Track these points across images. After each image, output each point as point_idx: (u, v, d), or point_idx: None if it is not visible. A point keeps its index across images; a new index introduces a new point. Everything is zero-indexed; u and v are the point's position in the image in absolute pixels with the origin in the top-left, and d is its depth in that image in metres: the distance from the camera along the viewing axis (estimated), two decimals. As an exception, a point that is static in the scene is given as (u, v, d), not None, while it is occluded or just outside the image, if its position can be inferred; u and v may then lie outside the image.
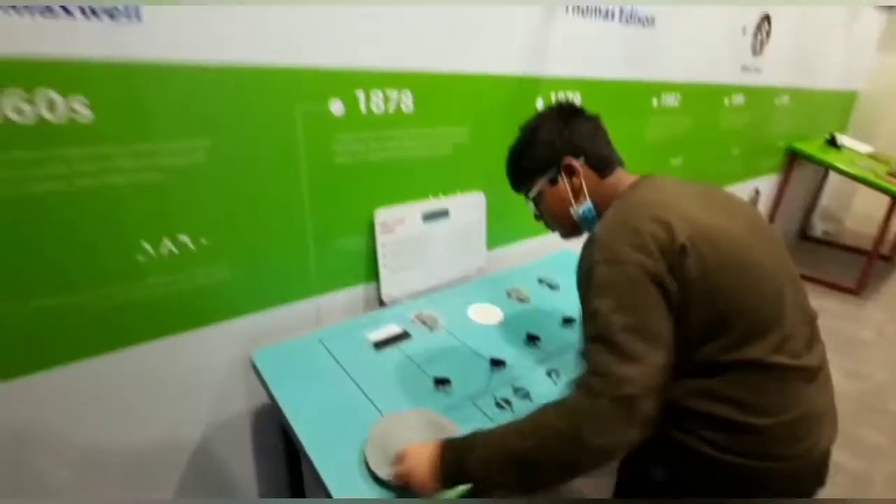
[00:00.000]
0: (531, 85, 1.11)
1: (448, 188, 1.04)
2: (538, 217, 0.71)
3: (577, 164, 0.64)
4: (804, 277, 1.83)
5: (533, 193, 0.68)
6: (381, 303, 0.99)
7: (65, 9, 0.56)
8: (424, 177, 0.99)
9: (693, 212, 0.55)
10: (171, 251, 0.72)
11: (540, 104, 1.14)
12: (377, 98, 0.86)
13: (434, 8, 0.88)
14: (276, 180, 0.79)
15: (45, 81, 0.57)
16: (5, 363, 0.64)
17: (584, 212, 0.65)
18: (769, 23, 1.86)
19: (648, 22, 1.35)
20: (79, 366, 0.69)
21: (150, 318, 0.73)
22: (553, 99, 1.17)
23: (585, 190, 0.64)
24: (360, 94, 0.84)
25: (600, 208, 0.64)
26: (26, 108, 0.57)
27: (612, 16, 1.24)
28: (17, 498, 0.66)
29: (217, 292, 0.79)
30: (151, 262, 0.71)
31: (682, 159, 1.75)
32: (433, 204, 1.02)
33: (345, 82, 0.82)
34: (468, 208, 1.09)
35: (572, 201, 0.66)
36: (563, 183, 0.65)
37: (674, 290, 0.51)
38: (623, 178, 0.65)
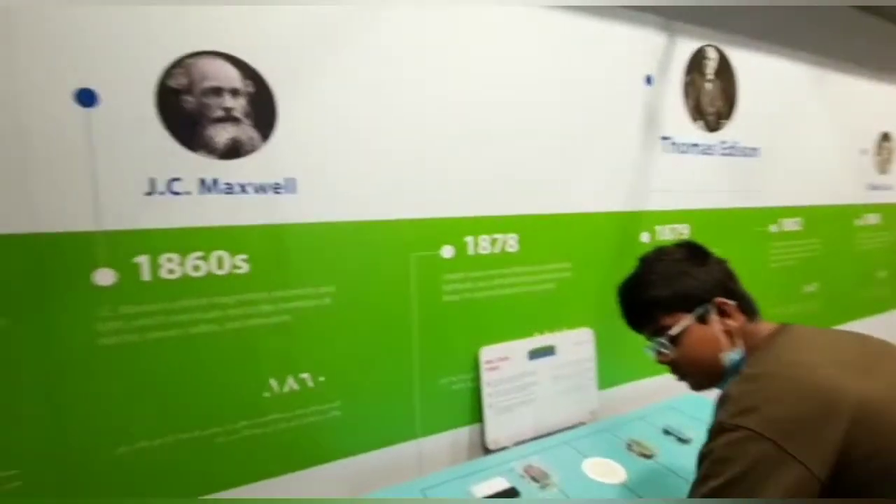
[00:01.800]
0: (635, 219, 1.11)
1: (554, 324, 1.01)
2: (663, 360, 0.65)
3: (731, 305, 0.60)
4: None
5: (674, 331, 0.63)
6: (486, 449, 0.92)
7: (241, 187, 0.71)
8: (530, 313, 0.98)
9: (853, 379, 0.48)
10: (292, 388, 0.76)
11: (646, 238, 1.12)
12: (484, 241, 0.91)
13: (538, 162, 0.96)
14: (388, 320, 0.83)
15: (219, 245, 0.69)
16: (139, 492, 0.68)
17: (733, 359, 0.59)
18: (888, 140, 1.74)
19: (752, 152, 1.33)
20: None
21: (266, 456, 0.75)
22: (659, 232, 1.15)
23: (736, 334, 0.59)
24: (470, 240, 0.90)
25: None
26: (202, 264, 0.69)
27: (711, 150, 1.25)
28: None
29: (327, 431, 0.80)
30: (275, 399, 0.75)
31: (817, 285, 1.56)
32: (539, 340, 0.99)
33: (456, 230, 0.88)
34: (576, 345, 1.03)
35: (723, 345, 0.60)
36: (715, 324, 0.61)
37: (823, 478, 0.45)
38: (762, 325, 0.60)
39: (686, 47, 1.16)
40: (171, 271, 0.67)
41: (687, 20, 1.15)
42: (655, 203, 1.14)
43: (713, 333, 0.61)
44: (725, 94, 1.26)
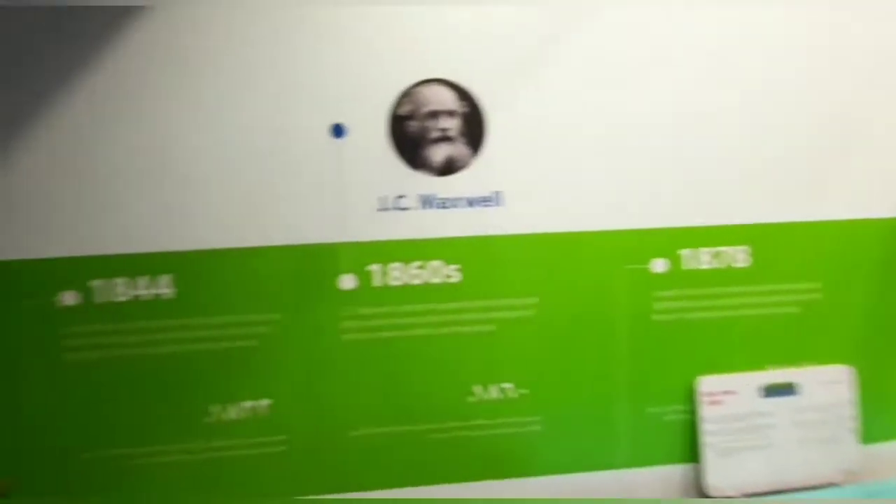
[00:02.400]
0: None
1: (796, 358, 0.83)
2: None
3: None
4: None
5: None
6: (705, 494, 0.80)
7: (454, 201, 0.75)
8: (763, 341, 0.82)
9: None
10: (495, 396, 0.78)
11: (936, 252, 0.84)
12: (705, 255, 0.80)
13: (779, 158, 0.80)
14: (593, 338, 0.79)
15: (436, 255, 0.75)
16: (356, 479, 0.76)
17: None
18: None
19: None
20: (399, 492, 0.77)
21: (469, 459, 0.78)
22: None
23: None
24: (686, 252, 0.80)
25: None
26: (421, 273, 0.75)
27: None
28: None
29: (527, 444, 0.79)
30: (480, 404, 0.77)
31: None
32: (775, 375, 0.82)
33: (670, 241, 0.79)
34: (827, 385, 0.83)
35: None
36: None
37: None
38: None
39: None
40: (396, 278, 0.75)
41: None
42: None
43: None
44: None
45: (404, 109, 0.75)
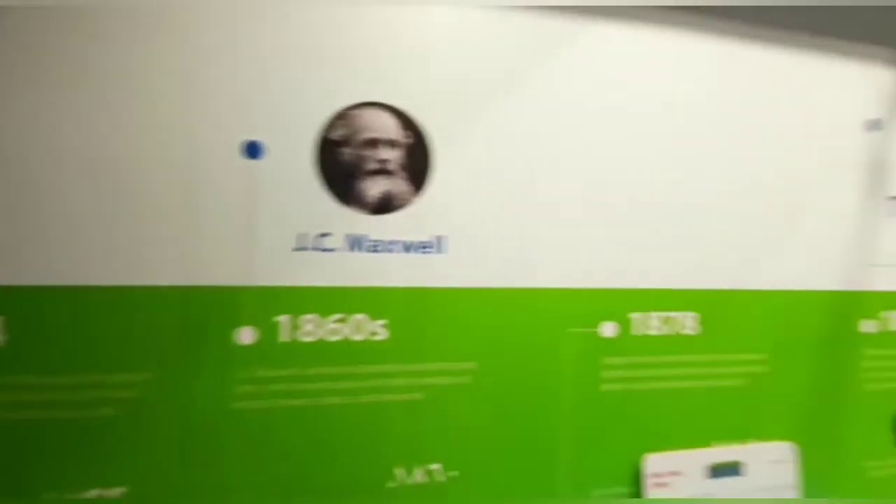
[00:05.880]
0: (854, 302, 0.85)
1: (741, 433, 0.78)
2: None
3: None
4: None
5: None
6: (648, 591, 0.71)
7: (388, 245, 0.64)
8: (709, 416, 0.77)
9: None
10: (420, 481, 0.65)
11: (870, 328, 0.85)
12: (655, 320, 0.74)
13: (727, 223, 0.77)
14: (535, 410, 0.70)
15: (360, 307, 0.63)
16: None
17: None
18: None
19: None
20: None
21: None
22: (888, 320, 0.86)
23: None
24: (637, 317, 0.74)
25: None
26: (340, 328, 0.62)
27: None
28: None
29: (455, 537, 0.67)
30: (400, 490, 0.64)
31: None
32: (720, 453, 0.77)
33: (621, 303, 0.73)
34: (771, 464, 0.79)
35: None
36: None
37: None
38: None
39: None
40: (308, 333, 0.62)
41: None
42: (883, 282, 0.87)
43: None
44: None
45: (337, 133, 0.64)
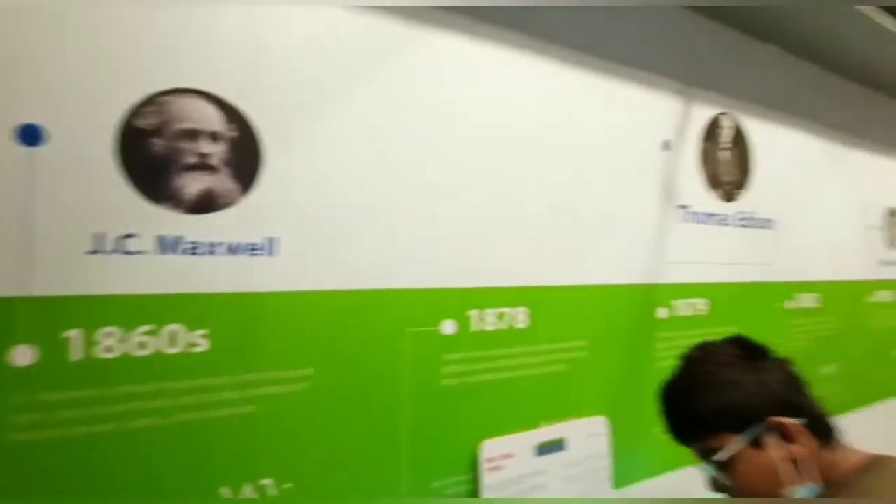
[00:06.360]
0: (652, 293, 1.01)
1: (564, 413, 0.88)
2: (720, 487, 0.52)
3: (795, 426, 0.48)
4: None
5: (721, 456, 0.51)
6: (484, 569, 0.76)
7: (210, 247, 0.59)
8: (537, 400, 0.85)
9: None
10: (248, 498, 0.61)
11: (663, 314, 1.02)
12: (491, 315, 0.80)
13: (549, 226, 0.86)
14: (375, 411, 0.70)
15: (174, 317, 0.57)
16: None
17: (804, 496, 0.47)
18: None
19: (767, 223, 1.27)
20: None
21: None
22: (677, 308, 1.05)
23: (805, 464, 0.47)
24: (475, 314, 0.78)
25: None
26: (150, 341, 0.56)
27: (727, 221, 1.18)
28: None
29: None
30: (229, 509, 0.60)
31: (835, 367, 1.45)
32: (547, 433, 0.85)
33: (460, 302, 0.77)
34: (589, 437, 0.90)
35: (787, 478, 0.48)
36: (775, 450, 0.49)
37: None
38: (844, 454, 0.48)
39: (702, 114, 1.12)
40: (109, 349, 0.54)
41: (704, 87, 1.11)
42: (673, 276, 1.05)
43: (771, 462, 0.49)
44: (741, 163, 1.21)
45: (147, 122, 0.57)
